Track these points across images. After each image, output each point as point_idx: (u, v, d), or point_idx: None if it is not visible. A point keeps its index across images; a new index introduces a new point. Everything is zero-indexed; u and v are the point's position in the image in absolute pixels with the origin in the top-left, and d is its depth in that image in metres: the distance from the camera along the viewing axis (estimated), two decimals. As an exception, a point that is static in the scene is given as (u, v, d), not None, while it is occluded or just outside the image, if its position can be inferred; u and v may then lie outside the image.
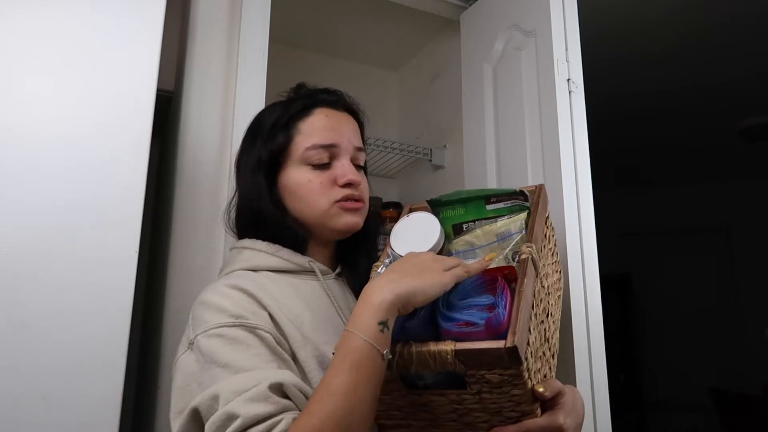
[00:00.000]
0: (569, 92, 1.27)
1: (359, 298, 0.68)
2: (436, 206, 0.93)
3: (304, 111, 0.87)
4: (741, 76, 2.60)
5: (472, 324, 0.67)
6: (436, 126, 1.86)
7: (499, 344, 0.64)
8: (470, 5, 1.65)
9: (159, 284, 1.20)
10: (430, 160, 1.80)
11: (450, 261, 0.73)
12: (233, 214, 0.91)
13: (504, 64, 1.47)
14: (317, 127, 0.86)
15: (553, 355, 0.84)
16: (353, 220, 0.86)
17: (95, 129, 0.91)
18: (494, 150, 1.47)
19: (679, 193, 4.34)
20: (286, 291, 0.81)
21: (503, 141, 1.44)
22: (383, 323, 0.64)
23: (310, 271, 0.86)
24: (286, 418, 0.63)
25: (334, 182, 0.85)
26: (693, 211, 4.26)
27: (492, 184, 1.45)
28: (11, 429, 0.78)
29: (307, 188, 0.84)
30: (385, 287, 0.66)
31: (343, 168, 0.85)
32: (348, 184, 0.85)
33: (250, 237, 0.87)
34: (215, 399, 0.65)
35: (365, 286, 0.69)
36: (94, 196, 0.89)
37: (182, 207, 1.14)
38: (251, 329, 0.71)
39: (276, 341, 0.72)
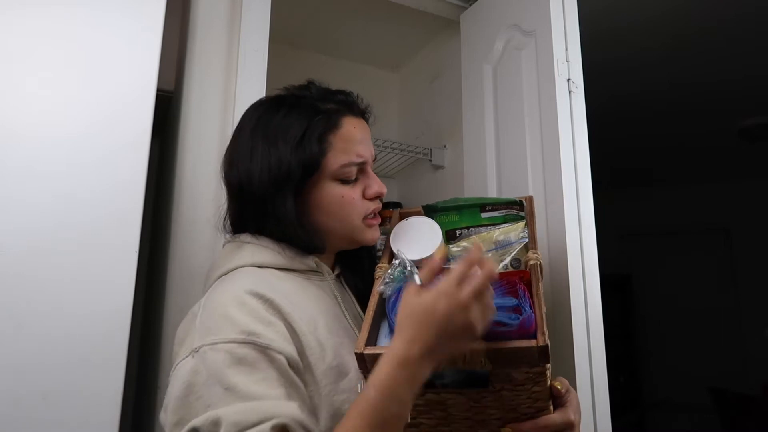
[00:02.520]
0: (569, 92, 1.27)
1: (390, 355, 0.63)
2: (431, 212, 0.95)
3: (334, 122, 0.83)
4: (741, 76, 2.60)
5: (504, 324, 0.69)
6: (436, 126, 1.86)
7: (531, 343, 0.67)
8: (470, 5, 1.65)
9: (159, 284, 1.21)
10: (430, 160, 1.80)
11: (476, 304, 0.63)
12: (224, 210, 0.88)
13: (504, 64, 1.47)
14: (350, 142, 0.83)
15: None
16: (377, 235, 0.88)
17: (95, 129, 0.91)
18: (494, 150, 1.47)
19: (678, 193, 4.34)
20: (296, 291, 0.80)
21: (503, 141, 1.44)
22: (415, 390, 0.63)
23: (314, 272, 0.85)
24: None
25: (363, 195, 0.85)
26: (693, 211, 4.27)
27: (492, 184, 1.45)
28: (11, 428, 0.78)
29: (340, 204, 0.83)
30: (425, 356, 0.62)
31: (372, 180, 0.86)
32: (375, 197, 0.86)
33: (250, 232, 0.84)
34: (217, 424, 0.62)
35: (396, 342, 0.63)
36: (94, 196, 0.89)
37: (182, 207, 1.14)
38: (262, 349, 0.67)
39: (289, 362, 0.69)
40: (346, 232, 0.85)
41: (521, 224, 0.89)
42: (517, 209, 0.92)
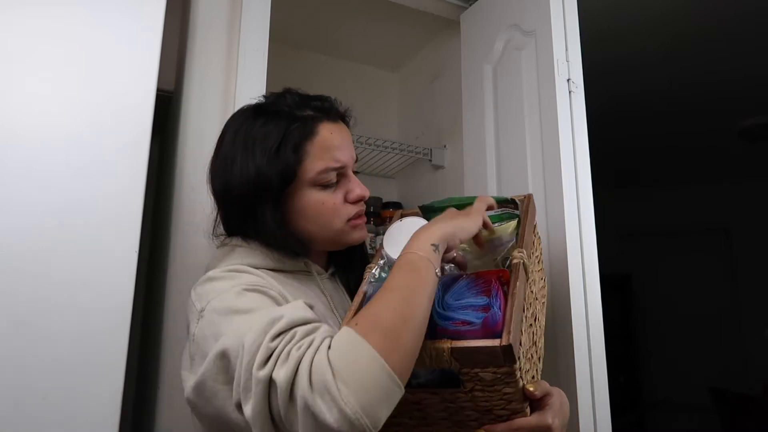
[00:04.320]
0: (569, 92, 1.27)
1: (411, 237, 0.73)
2: (427, 212, 0.95)
3: (309, 130, 0.83)
4: (741, 76, 2.60)
5: (469, 323, 0.69)
6: (436, 126, 1.86)
7: (494, 342, 0.66)
8: (470, 5, 1.65)
9: (159, 284, 1.21)
10: (430, 160, 1.80)
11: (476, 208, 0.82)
12: (215, 215, 0.90)
13: (504, 64, 1.47)
14: (326, 148, 0.83)
15: (539, 359, 0.86)
16: (363, 234, 0.88)
17: (95, 129, 0.91)
18: (494, 150, 1.47)
19: (679, 193, 4.34)
20: (287, 289, 0.81)
21: (503, 141, 1.44)
22: (435, 245, 0.71)
23: (305, 271, 0.86)
24: (325, 326, 0.65)
25: (345, 199, 0.85)
26: (693, 211, 4.27)
27: (492, 184, 1.45)
28: (12, 428, 0.78)
29: (320, 210, 0.83)
30: (435, 227, 0.74)
31: (353, 184, 0.86)
32: (357, 200, 0.86)
33: (240, 236, 0.85)
34: (249, 330, 0.63)
35: (416, 231, 0.74)
36: (94, 196, 0.89)
37: (182, 206, 1.14)
38: (263, 291, 0.72)
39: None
40: (330, 236, 0.86)
41: (513, 223, 0.89)
42: (512, 208, 0.92)
